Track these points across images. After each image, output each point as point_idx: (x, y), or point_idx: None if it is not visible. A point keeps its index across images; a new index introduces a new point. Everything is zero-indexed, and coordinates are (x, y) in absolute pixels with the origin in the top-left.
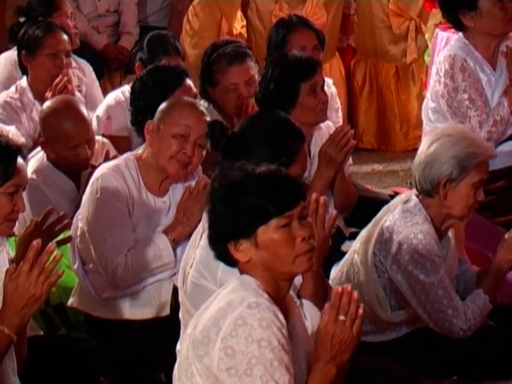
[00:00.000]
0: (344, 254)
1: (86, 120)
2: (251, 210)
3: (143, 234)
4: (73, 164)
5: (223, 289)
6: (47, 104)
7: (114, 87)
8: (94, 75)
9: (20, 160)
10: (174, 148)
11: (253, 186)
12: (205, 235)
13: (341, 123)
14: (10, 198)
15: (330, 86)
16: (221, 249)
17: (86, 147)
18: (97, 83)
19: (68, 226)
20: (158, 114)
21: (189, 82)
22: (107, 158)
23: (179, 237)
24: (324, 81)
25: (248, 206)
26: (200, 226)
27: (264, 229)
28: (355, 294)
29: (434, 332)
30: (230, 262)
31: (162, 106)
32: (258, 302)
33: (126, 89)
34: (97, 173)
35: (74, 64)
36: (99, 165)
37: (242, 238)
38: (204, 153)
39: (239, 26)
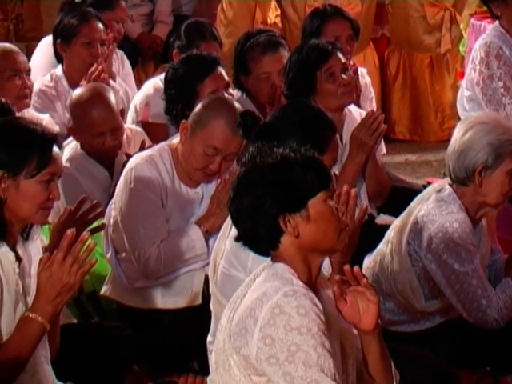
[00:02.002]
0: (377, 240)
1: (113, 109)
2: (303, 182)
3: (176, 224)
4: (99, 152)
5: (255, 277)
6: (77, 91)
7: (147, 76)
8: (130, 67)
9: (55, 148)
10: (200, 164)
11: (299, 161)
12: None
13: None
14: (45, 186)
15: (364, 76)
16: (267, 229)
17: (112, 136)
18: (131, 75)
19: (101, 215)
20: (193, 117)
21: (220, 70)
22: (142, 148)
23: (212, 228)
24: (345, 63)
25: (300, 179)
26: (229, 217)
27: (314, 201)
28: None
29: (467, 322)
30: (269, 246)
31: (200, 109)
32: (294, 290)
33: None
34: (131, 163)
35: (113, 55)
36: (134, 154)
37: (294, 211)
38: (232, 163)
39: (273, 15)
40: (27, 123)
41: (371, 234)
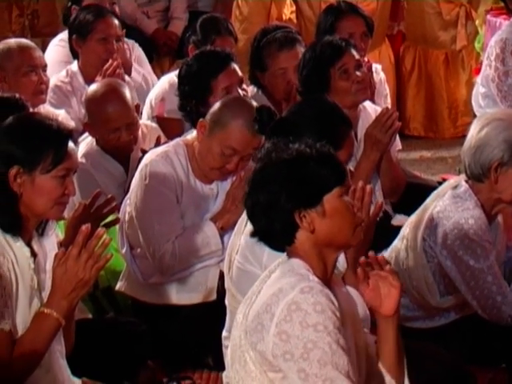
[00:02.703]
0: (391, 237)
1: (128, 104)
2: (318, 178)
3: (191, 220)
4: (114, 147)
5: (270, 273)
6: (92, 87)
7: (163, 72)
8: (143, 53)
9: (71, 144)
10: (217, 163)
11: (315, 156)
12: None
13: None
14: (60, 181)
15: (379, 73)
16: (282, 224)
17: (127, 131)
18: (146, 62)
19: (116, 209)
20: (212, 116)
21: (234, 65)
22: (158, 144)
23: (227, 224)
24: (359, 60)
25: (315, 175)
26: (245, 212)
27: (329, 197)
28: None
29: (482, 319)
30: (284, 242)
31: (219, 108)
32: (311, 287)
33: None
34: (146, 159)
35: (125, 46)
36: (149, 150)
37: (309, 207)
38: (249, 162)
39: (288, 11)
40: (43, 119)
41: (386, 231)
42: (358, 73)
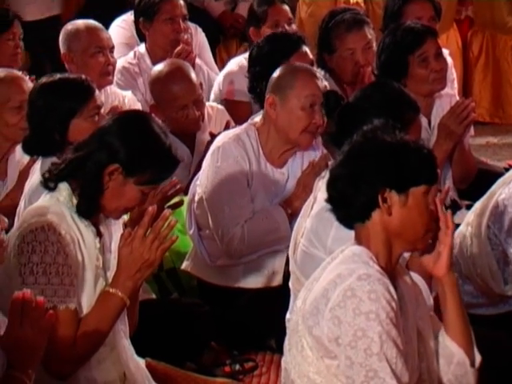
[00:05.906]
0: (457, 225)
1: (193, 81)
2: (413, 168)
3: (260, 204)
4: (183, 126)
5: (332, 259)
6: (155, 69)
7: (229, 55)
8: (205, 40)
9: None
10: (304, 121)
11: (417, 150)
12: (316, 205)
13: (456, 94)
14: (143, 195)
15: (446, 57)
16: (366, 197)
17: (194, 108)
18: (208, 49)
19: (180, 191)
20: (275, 87)
21: (305, 48)
22: (227, 128)
23: (296, 210)
24: (440, 48)
25: (411, 164)
26: (311, 196)
27: (415, 190)
28: None
29: None
30: (359, 216)
31: (279, 77)
32: (369, 274)
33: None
34: (218, 141)
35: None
36: (219, 133)
37: (396, 190)
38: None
39: None
40: (160, 134)
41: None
42: (437, 62)
